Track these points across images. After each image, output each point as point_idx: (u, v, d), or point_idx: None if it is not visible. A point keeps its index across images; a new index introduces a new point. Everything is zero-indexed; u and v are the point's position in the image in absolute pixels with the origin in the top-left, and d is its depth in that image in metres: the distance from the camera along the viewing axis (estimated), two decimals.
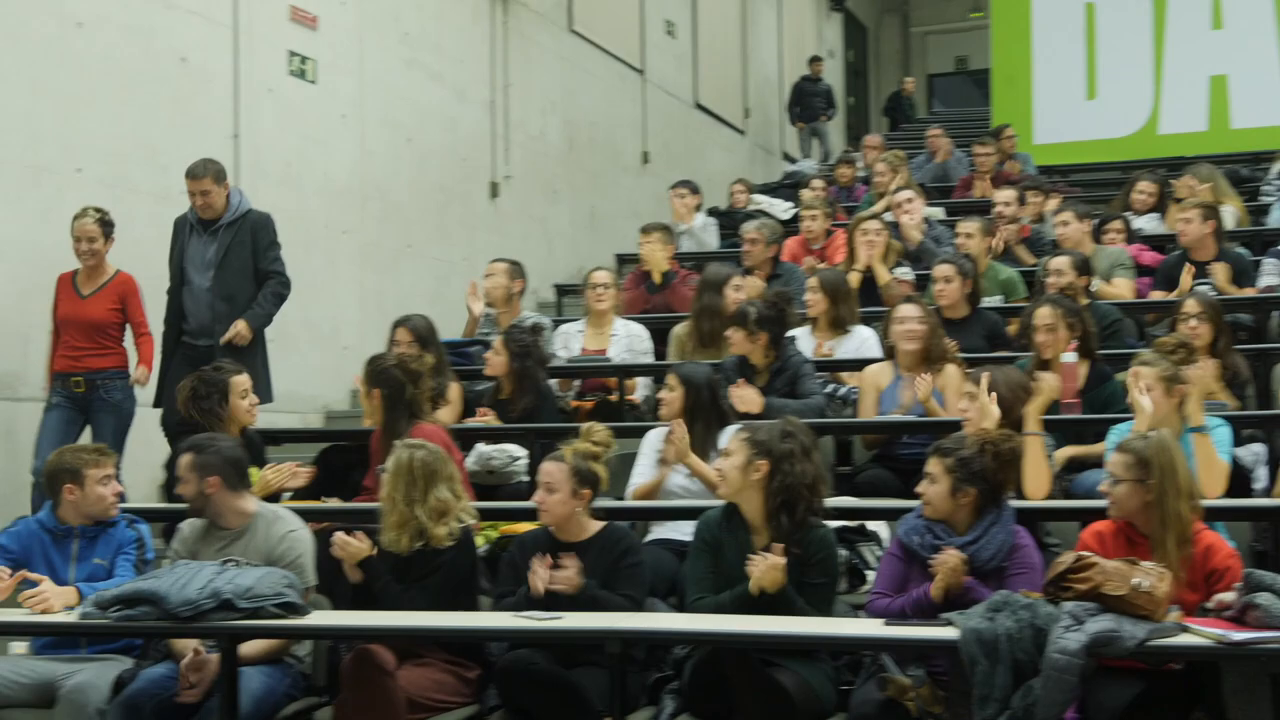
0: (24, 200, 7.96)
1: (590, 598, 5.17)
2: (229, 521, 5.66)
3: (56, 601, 5.29)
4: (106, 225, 7.55)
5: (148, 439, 7.75)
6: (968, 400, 5.94)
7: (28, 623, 5.37)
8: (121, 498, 5.86)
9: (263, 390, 7.44)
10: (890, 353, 7.25)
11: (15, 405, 7.83)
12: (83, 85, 8.32)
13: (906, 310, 7.16)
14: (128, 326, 7.70)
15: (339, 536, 5.43)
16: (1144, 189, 11.19)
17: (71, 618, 5.22)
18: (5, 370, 7.83)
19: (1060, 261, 8.10)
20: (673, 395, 6.45)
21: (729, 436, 5.51)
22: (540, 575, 5.14)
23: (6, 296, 7.81)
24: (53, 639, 5.66)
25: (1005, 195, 10.86)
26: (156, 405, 7.79)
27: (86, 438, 7.25)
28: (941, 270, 8.11)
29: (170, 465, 7.28)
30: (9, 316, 7.83)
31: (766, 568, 4.96)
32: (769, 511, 5.17)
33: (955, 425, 5.91)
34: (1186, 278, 8.56)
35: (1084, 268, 8.13)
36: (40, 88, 8.04)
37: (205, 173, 7.84)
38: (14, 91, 7.88)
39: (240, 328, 7.72)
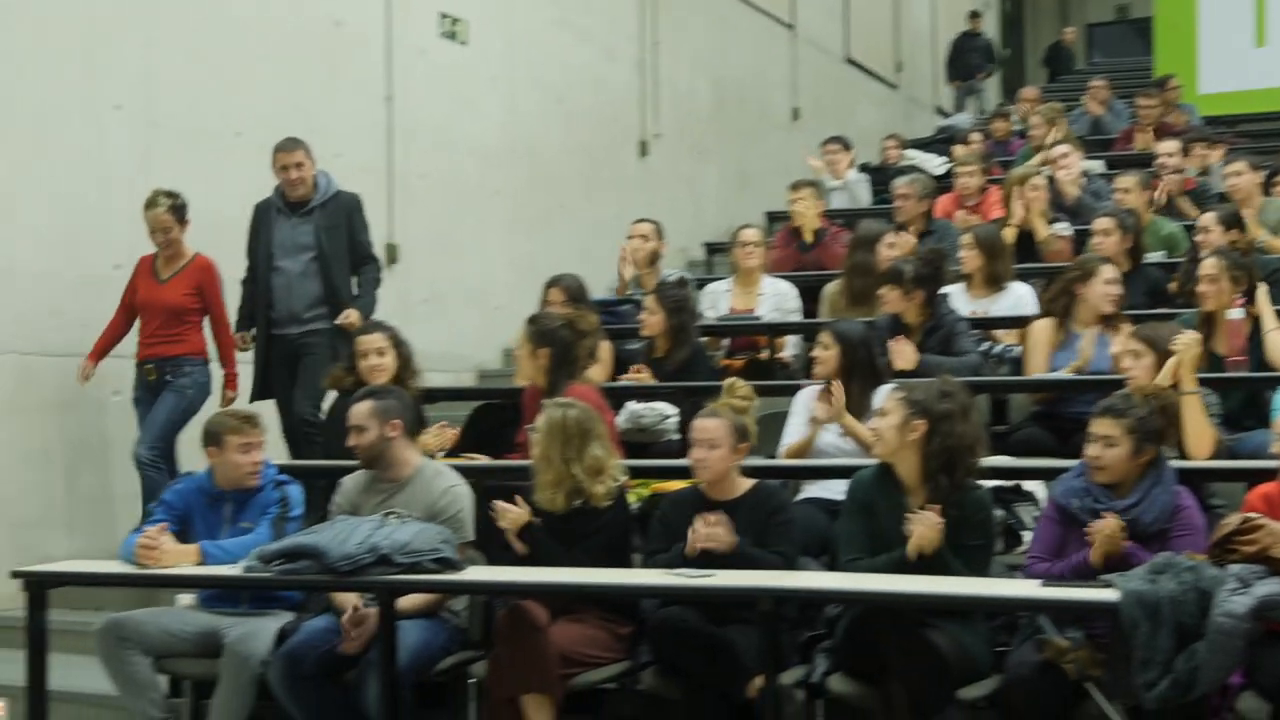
0: (186, 164, 8.10)
1: (743, 555, 5.17)
2: (395, 473, 5.73)
3: (168, 558, 5.40)
4: (178, 210, 7.39)
5: None
6: (1132, 359, 5.84)
7: (193, 576, 5.52)
8: (268, 465, 5.88)
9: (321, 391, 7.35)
10: (1058, 310, 7.10)
11: None
12: (240, 51, 8.49)
13: (1109, 271, 7.00)
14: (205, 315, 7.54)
15: (499, 505, 5.46)
16: None
17: (236, 571, 5.35)
18: None
19: (1207, 218, 7.97)
20: (828, 354, 6.40)
21: (883, 396, 5.46)
22: (700, 534, 5.14)
23: None
24: (217, 592, 5.79)
25: (1168, 146, 10.60)
26: (256, 399, 7.60)
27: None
28: (1101, 223, 7.97)
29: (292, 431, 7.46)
30: None
31: (925, 528, 4.91)
32: (926, 472, 5.10)
33: (1118, 384, 5.79)
34: None
35: (1232, 221, 7.97)
36: (199, 54, 8.22)
37: (297, 146, 7.61)
38: (174, 58, 8.07)
39: (354, 317, 7.44)
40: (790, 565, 5.27)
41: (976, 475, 5.18)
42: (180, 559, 5.45)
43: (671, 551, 5.27)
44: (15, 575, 5.39)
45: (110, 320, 7.45)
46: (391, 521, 5.32)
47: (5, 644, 6.43)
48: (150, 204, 7.32)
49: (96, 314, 7.54)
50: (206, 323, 7.53)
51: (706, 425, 5.40)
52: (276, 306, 7.60)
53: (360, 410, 5.71)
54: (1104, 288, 6.90)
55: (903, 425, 5.12)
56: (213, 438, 5.79)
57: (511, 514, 5.40)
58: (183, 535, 5.65)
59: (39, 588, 5.36)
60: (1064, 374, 6.90)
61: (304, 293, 7.58)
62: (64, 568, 5.70)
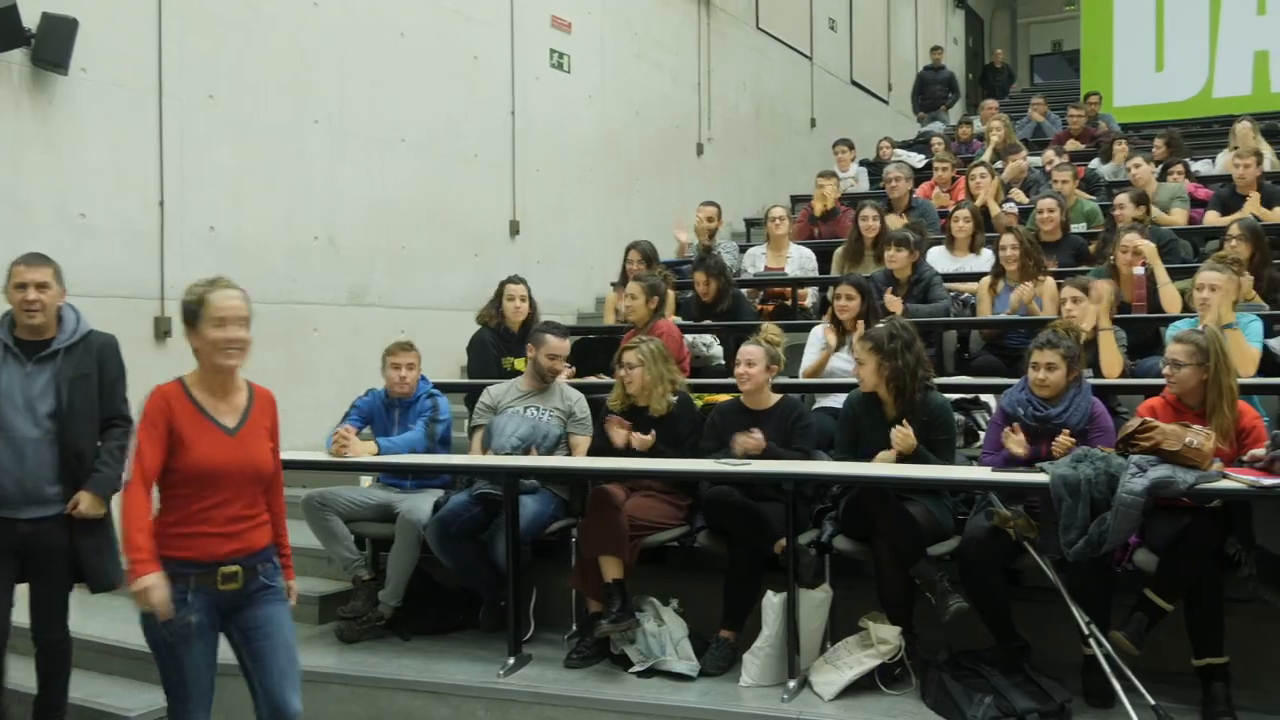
0: (366, 163, 8.18)
1: (773, 452, 5.19)
2: (539, 384, 5.82)
3: (354, 449, 5.46)
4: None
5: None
6: (1072, 303, 5.80)
7: (375, 463, 5.62)
8: (423, 380, 5.91)
9: (113, 572, 4.44)
10: (1000, 269, 7.05)
11: (362, 310, 8.11)
12: (406, 76, 8.49)
13: (1006, 239, 6.95)
14: None
15: (612, 424, 5.49)
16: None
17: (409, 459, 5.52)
18: (355, 283, 8.11)
19: (1121, 198, 7.91)
20: (853, 302, 6.38)
21: (744, 347, 5.46)
22: (740, 442, 5.16)
23: (355, 230, 8.08)
24: (388, 474, 5.88)
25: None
26: None
27: None
28: (1045, 204, 7.93)
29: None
30: (358, 245, 8.10)
31: (901, 439, 4.96)
32: (894, 391, 5.13)
33: (1045, 323, 5.75)
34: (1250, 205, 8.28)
35: (1140, 200, 7.91)
36: (377, 80, 8.25)
37: (45, 262, 4.36)
38: (360, 83, 8.10)
39: (85, 503, 4.35)
40: (809, 457, 5.29)
41: (927, 385, 5.19)
42: (362, 451, 5.54)
43: (721, 448, 5.31)
44: None
45: None
46: (532, 415, 5.60)
47: None
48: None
49: (301, 271, 7.65)
50: None
51: (749, 350, 5.41)
52: (2, 481, 4.28)
53: (566, 345, 5.86)
54: (1004, 253, 6.95)
55: (877, 367, 5.12)
56: (383, 359, 5.86)
57: (619, 432, 5.44)
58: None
59: None
60: (1004, 316, 6.86)
61: (41, 467, 4.31)
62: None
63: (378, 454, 5.55)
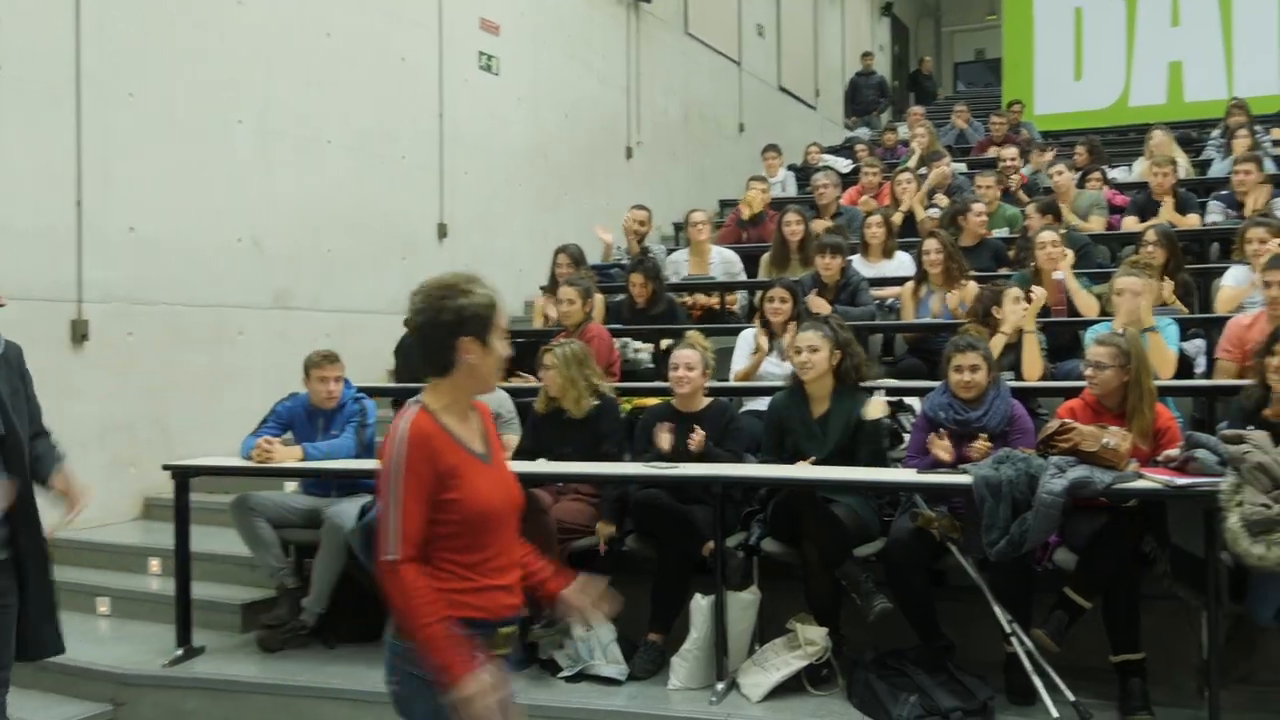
0: (292, 164, 8.06)
1: (708, 453, 5.20)
2: None
3: (278, 456, 5.41)
4: None
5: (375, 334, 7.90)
6: (1011, 304, 5.89)
7: (309, 469, 5.56)
8: (347, 385, 5.83)
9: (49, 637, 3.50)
10: (923, 273, 7.13)
11: (288, 313, 8.00)
12: (333, 77, 8.38)
13: (929, 244, 7.04)
14: None
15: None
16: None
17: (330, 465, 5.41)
18: (282, 286, 7.99)
19: (1030, 207, 8.22)
20: (785, 305, 6.43)
21: (803, 334, 5.41)
22: (663, 438, 5.17)
23: (281, 232, 7.95)
24: (315, 481, 5.81)
25: (1010, 152, 10.62)
26: None
27: None
28: (977, 208, 8.19)
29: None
30: (284, 247, 7.98)
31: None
32: (835, 387, 5.18)
33: (954, 327, 5.86)
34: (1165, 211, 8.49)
35: (1048, 209, 8.11)
36: (304, 80, 8.12)
37: None
38: (286, 83, 7.98)
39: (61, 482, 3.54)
40: (740, 459, 5.29)
41: (859, 386, 5.27)
42: (287, 457, 5.46)
43: (650, 450, 5.31)
44: (166, 468, 5.41)
45: None
46: None
47: (160, 519, 6.47)
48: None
49: (226, 274, 7.51)
50: None
51: (687, 354, 5.42)
52: None
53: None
54: (926, 256, 7.05)
55: (830, 355, 5.15)
56: (305, 369, 5.77)
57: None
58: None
59: (183, 477, 5.39)
60: (926, 320, 6.95)
61: None
62: (202, 462, 5.69)
63: (303, 459, 5.47)
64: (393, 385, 7.17)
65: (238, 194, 7.64)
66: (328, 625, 5.50)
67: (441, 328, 2.62)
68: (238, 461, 5.52)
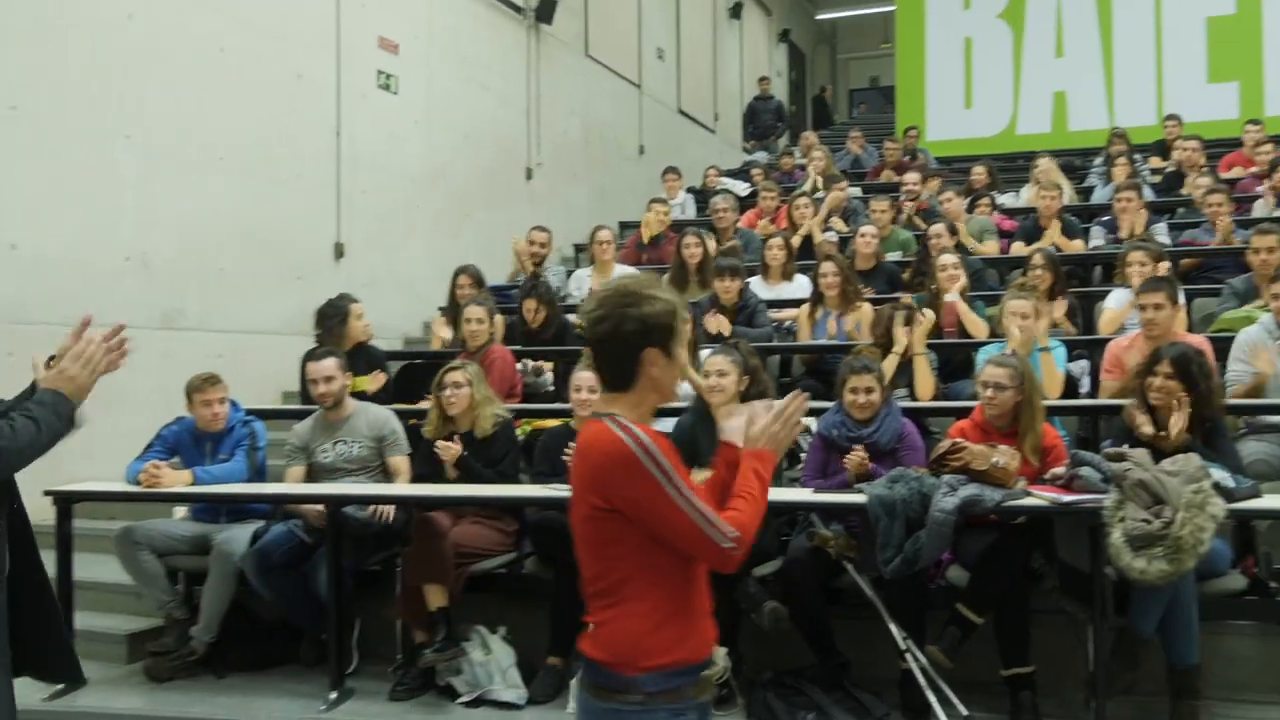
0: (181, 181, 7.85)
1: None
2: (341, 413, 5.63)
3: (167, 480, 5.29)
4: None
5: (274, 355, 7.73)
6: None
7: (200, 494, 5.43)
8: (235, 407, 5.71)
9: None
10: (819, 295, 7.22)
11: (176, 334, 7.79)
12: (225, 93, 8.21)
13: (826, 266, 7.15)
14: None
15: (440, 444, 5.39)
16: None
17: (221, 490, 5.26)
18: (170, 307, 7.78)
19: (939, 227, 8.29)
20: (686, 326, 6.43)
21: (706, 356, 5.42)
22: (569, 457, 5.15)
23: (171, 253, 7.76)
24: (204, 506, 5.67)
25: (912, 177, 10.83)
26: None
27: None
28: (867, 230, 8.29)
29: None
30: (174, 266, 7.77)
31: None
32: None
33: (849, 348, 5.94)
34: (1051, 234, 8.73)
35: (951, 230, 8.36)
36: (194, 96, 7.93)
37: None
38: (175, 99, 7.78)
39: None
40: None
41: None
42: (176, 481, 5.32)
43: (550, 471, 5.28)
44: (47, 494, 5.23)
45: None
46: (341, 447, 5.30)
47: (42, 546, 6.21)
48: None
49: (111, 293, 7.30)
50: None
51: (588, 376, 5.38)
52: None
53: (330, 365, 5.59)
54: (822, 280, 7.18)
55: (738, 380, 5.16)
56: (188, 394, 5.63)
57: (450, 451, 5.35)
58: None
59: (66, 503, 5.22)
60: (822, 341, 7.05)
61: None
62: (85, 487, 5.51)
63: (192, 484, 5.34)
64: (291, 407, 7.03)
65: (125, 211, 7.43)
66: (217, 654, 5.37)
67: (624, 339, 2.41)
68: (123, 486, 5.37)
